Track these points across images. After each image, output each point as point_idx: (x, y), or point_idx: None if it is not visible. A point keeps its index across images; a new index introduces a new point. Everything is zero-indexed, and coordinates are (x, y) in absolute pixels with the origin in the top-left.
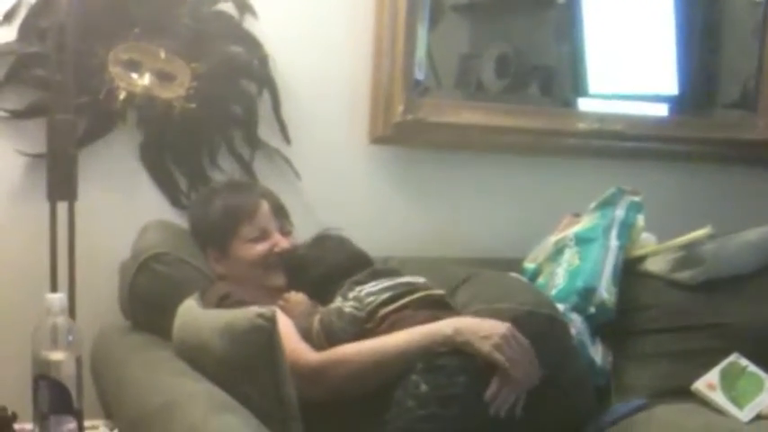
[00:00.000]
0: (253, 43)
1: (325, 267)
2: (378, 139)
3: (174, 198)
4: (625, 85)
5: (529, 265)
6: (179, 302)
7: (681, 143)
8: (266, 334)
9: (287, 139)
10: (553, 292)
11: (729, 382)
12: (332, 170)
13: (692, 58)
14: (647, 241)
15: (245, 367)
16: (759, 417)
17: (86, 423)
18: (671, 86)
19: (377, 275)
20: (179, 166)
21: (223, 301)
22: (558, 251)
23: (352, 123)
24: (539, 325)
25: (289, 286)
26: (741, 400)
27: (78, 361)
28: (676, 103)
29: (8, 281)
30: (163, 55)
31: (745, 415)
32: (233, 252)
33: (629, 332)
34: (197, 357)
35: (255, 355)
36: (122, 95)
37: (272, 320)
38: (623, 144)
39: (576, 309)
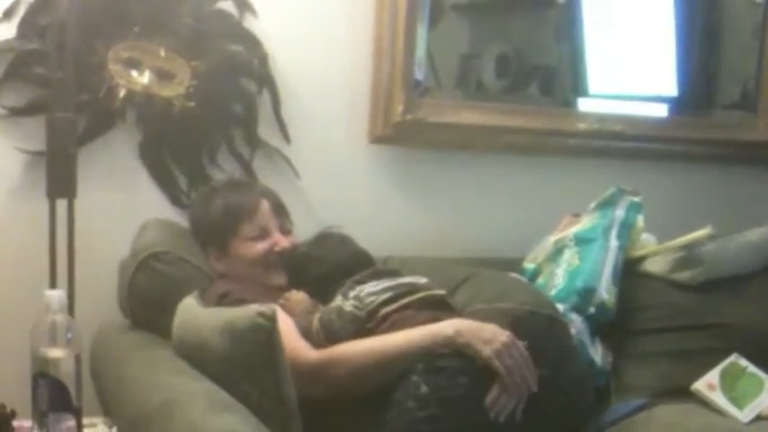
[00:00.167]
0: (253, 42)
1: (326, 266)
2: (377, 139)
3: (174, 197)
4: (625, 85)
5: (528, 265)
6: (178, 301)
7: (681, 144)
8: (266, 332)
9: (287, 139)
10: (553, 292)
11: (729, 382)
12: (332, 169)
13: (691, 58)
14: (647, 241)
15: (245, 366)
16: (759, 417)
17: (85, 421)
18: (671, 87)
19: (378, 275)
20: (179, 164)
21: (223, 300)
22: (558, 251)
23: (352, 123)
24: (539, 325)
25: (290, 285)
26: (741, 401)
27: (77, 359)
28: (676, 104)
29: (7, 278)
30: (163, 53)
31: (744, 415)
32: (233, 251)
33: (629, 332)
34: (196, 356)
35: (255, 354)
36: (122, 94)
37: (272, 319)
38: (623, 144)
39: (575, 309)
